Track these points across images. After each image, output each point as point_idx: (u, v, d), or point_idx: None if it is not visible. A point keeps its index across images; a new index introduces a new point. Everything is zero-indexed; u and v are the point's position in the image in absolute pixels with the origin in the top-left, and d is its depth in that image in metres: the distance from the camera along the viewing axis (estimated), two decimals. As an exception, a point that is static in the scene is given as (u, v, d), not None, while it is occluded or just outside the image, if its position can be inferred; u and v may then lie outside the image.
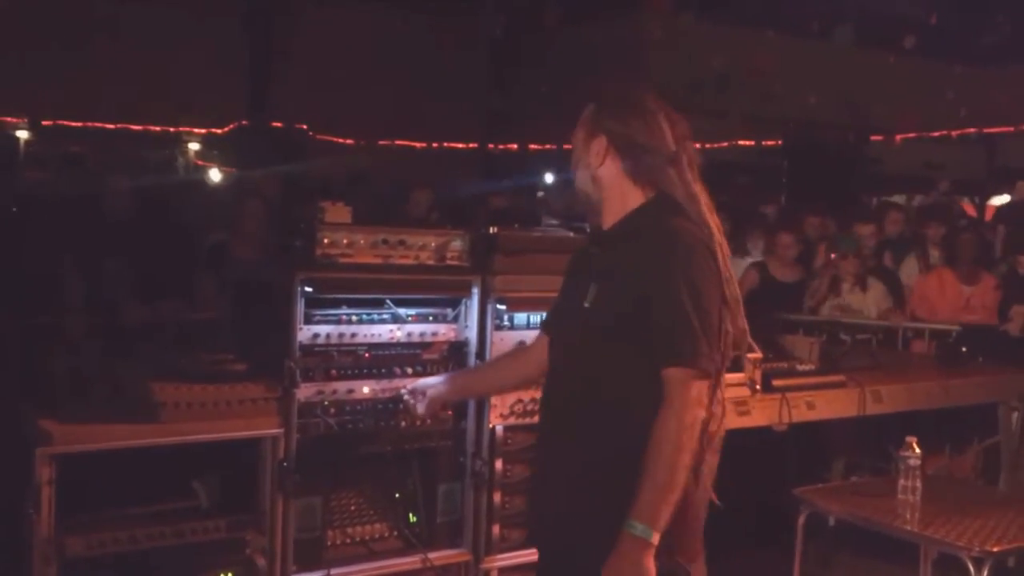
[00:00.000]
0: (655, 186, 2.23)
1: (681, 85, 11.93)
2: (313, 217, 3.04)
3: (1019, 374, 4.61)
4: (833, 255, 5.89)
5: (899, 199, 12.58)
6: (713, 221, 2.22)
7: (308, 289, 2.95)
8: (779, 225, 6.28)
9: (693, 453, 2.09)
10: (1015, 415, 4.66)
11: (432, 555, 3.18)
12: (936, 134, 11.95)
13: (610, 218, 2.29)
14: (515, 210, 6.87)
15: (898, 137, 11.82)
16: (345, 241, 3.03)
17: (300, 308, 2.96)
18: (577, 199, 2.38)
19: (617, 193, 2.25)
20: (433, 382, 2.78)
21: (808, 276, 6.05)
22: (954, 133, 11.81)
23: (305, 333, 2.98)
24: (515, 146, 12.40)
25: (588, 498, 2.18)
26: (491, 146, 12.50)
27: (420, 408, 2.75)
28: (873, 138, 11.82)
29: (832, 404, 3.85)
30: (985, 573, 2.92)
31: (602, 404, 2.18)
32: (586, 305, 2.22)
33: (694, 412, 2.08)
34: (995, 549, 2.94)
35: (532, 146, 12.07)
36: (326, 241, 3.00)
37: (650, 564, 2.03)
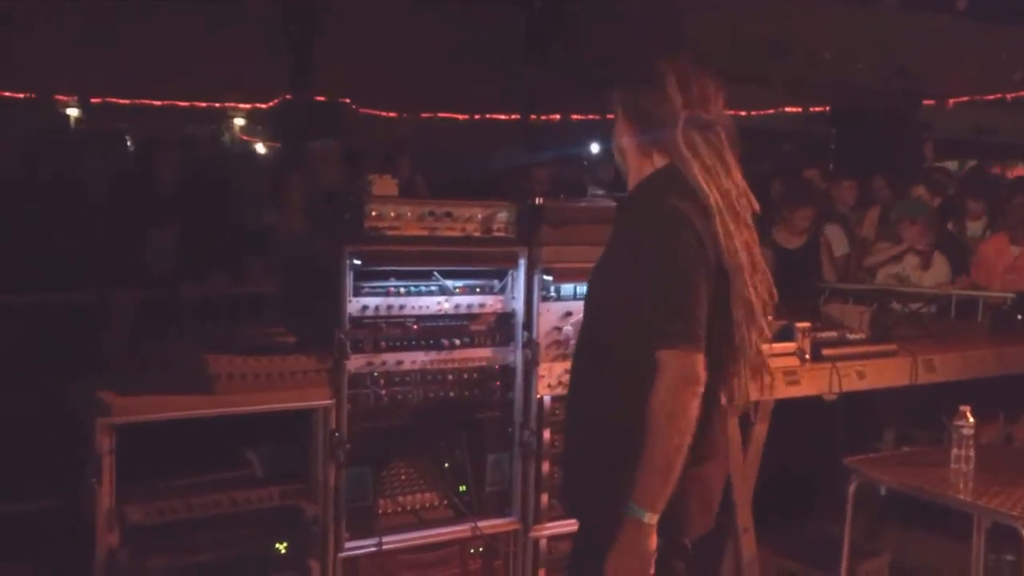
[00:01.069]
0: (665, 155, 2.27)
1: (723, 52, 11.76)
2: (360, 190, 3.07)
3: (1078, 342, 4.50)
4: (903, 221, 5.78)
5: (951, 165, 12.33)
6: (715, 184, 2.21)
7: (356, 262, 2.97)
8: (798, 198, 6.20)
9: (685, 430, 2.09)
10: (1072, 383, 4.57)
11: (481, 524, 3.21)
12: (990, 97, 11.65)
13: (631, 187, 2.38)
14: (560, 181, 6.84)
15: (950, 101, 11.54)
16: (392, 214, 3.05)
17: (349, 281, 2.99)
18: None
19: (635, 162, 2.33)
20: None
21: (814, 241, 5.99)
22: (1008, 96, 11.50)
23: (354, 305, 3.01)
24: (558, 116, 12.33)
25: (593, 467, 2.26)
26: (533, 117, 12.44)
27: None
28: (924, 103, 11.55)
29: (883, 373, 3.79)
30: (1041, 543, 2.88)
31: (601, 373, 2.27)
32: (596, 276, 2.37)
33: (680, 391, 2.09)
34: (1050, 518, 2.90)
35: (575, 116, 11.99)
36: (374, 214, 3.02)
37: (650, 544, 2.09)
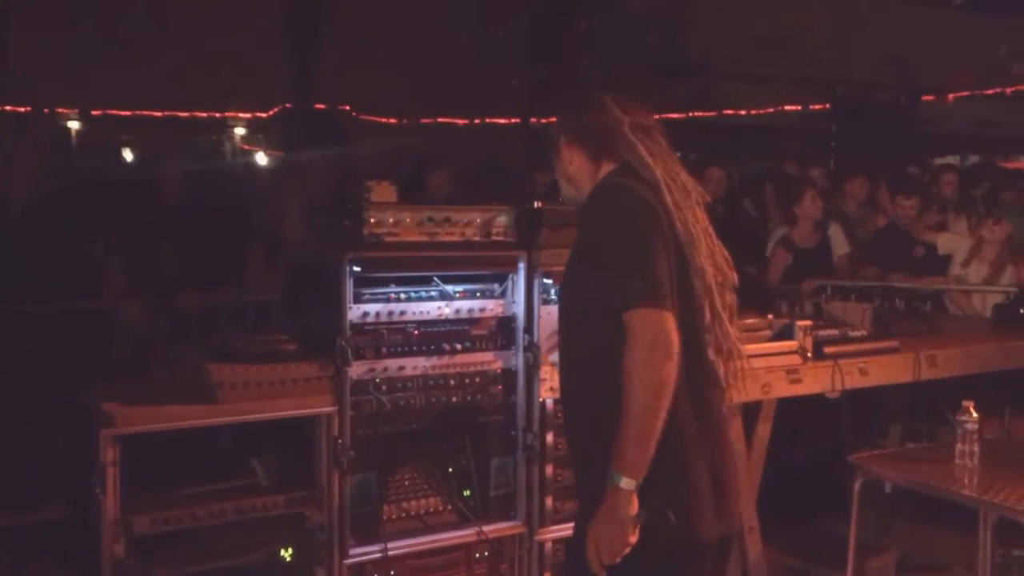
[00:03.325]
0: (613, 158, 2.36)
1: (727, 51, 11.77)
2: (359, 197, 3.08)
3: (1079, 335, 4.49)
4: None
5: (952, 160, 12.30)
6: (657, 164, 2.30)
7: (356, 268, 2.99)
8: (802, 185, 6.19)
9: (660, 393, 2.08)
10: (1076, 377, 4.56)
11: (486, 528, 3.22)
12: (989, 92, 11.61)
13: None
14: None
15: (950, 96, 11.51)
16: (391, 220, 3.07)
17: (349, 287, 3.00)
18: None
19: (587, 181, 2.40)
20: None
21: (825, 240, 6.00)
22: (1008, 90, 11.46)
23: (355, 312, 3.03)
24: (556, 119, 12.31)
25: (581, 457, 2.35)
26: (534, 120, 12.44)
27: None
28: (924, 98, 11.53)
29: (886, 370, 3.78)
30: (1047, 537, 2.88)
31: (580, 365, 2.30)
32: (563, 280, 2.41)
33: (651, 351, 2.08)
34: (1056, 512, 2.89)
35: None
36: (373, 220, 3.04)
37: (629, 510, 2.09)
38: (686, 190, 2.31)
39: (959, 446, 3.31)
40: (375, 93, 11.06)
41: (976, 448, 3.28)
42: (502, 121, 12.23)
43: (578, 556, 2.20)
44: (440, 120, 11.76)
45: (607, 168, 2.37)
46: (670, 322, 2.11)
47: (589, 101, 2.42)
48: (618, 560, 2.12)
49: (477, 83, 11.51)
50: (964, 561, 4.11)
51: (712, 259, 2.30)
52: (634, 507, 2.10)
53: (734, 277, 2.37)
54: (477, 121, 12.07)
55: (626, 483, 2.08)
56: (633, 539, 2.11)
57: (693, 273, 2.25)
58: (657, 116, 2.47)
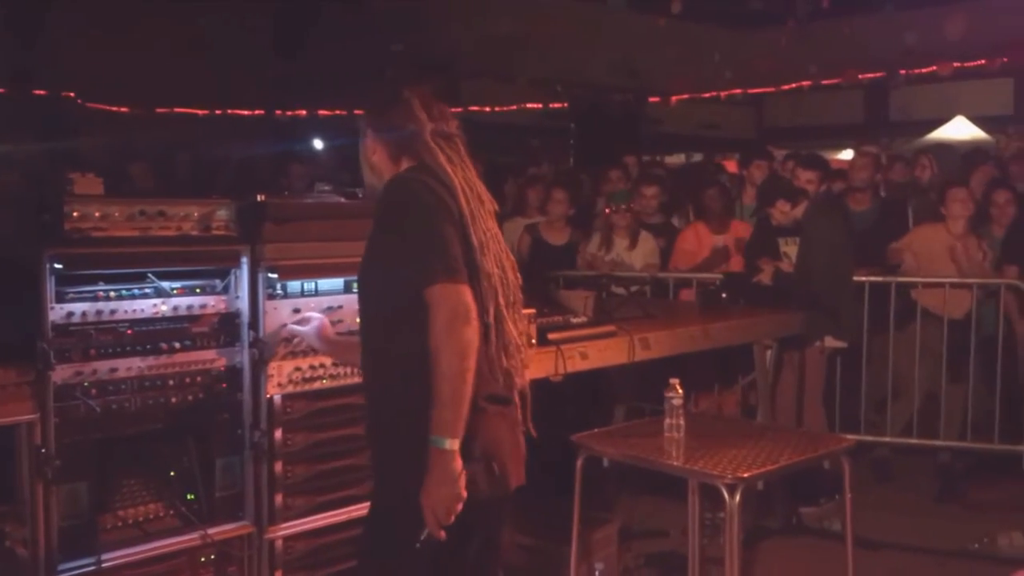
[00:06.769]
0: (413, 157, 2.52)
1: (469, 48, 12.05)
2: (61, 189, 2.89)
3: (771, 316, 5.01)
4: (608, 210, 6.16)
5: (679, 158, 13.30)
6: (456, 172, 2.48)
7: (58, 266, 2.80)
8: (554, 182, 6.53)
9: (467, 356, 2.29)
10: (768, 353, 5.08)
11: (212, 530, 3.12)
12: (706, 95, 12.64)
13: None
14: (319, 176, 6.72)
15: (673, 99, 12.43)
16: (97, 214, 2.89)
17: (50, 286, 2.80)
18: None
19: (388, 172, 2.56)
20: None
21: (580, 238, 6.34)
22: (722, 94, 12.53)
23: (58, 312, 2.83)
24: (304, 112, 12.13)
25: (381, 422, 2.53)
26: (279, 113, 12.16)
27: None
28: (651, 100, 12.37)
29: (604, 353, 4.02)
30: (737, 497, 3.18)
31: (380, 338, 2.49)
32: (361, 265, 2.56)
33: (453, 322, 2.28)
34: (745, 475, 3.20)
35: (322, 112, 11.85)
36: (76, 215, 2.85)
37: (455, 466, 2.30)
38: (480, 199, 2.50)
39: (667, 420, 3.58)
40: (105, 79, 10.35)
41: (682, 422, 3.56)
42: (245, 113, 11.85)
43: (387, 532, 2.45)
44: (178, 110, 11.21)
45: (406, 165, 2.51)
46: (467, 294, 2.32)
47: (394, 100, 2.55)
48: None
49: (218, 73, 11.07)
50: (679, 526, 4.46)
51: (500, 264, 2.49)
52: (459, 464, 2.29)
53: (519, 280, 2.58)
54: (219, 112, 11.62)
55: (451, 444, 2.28)
56: (464, 493, 2.30)
57: (481, 276, 2.43)
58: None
